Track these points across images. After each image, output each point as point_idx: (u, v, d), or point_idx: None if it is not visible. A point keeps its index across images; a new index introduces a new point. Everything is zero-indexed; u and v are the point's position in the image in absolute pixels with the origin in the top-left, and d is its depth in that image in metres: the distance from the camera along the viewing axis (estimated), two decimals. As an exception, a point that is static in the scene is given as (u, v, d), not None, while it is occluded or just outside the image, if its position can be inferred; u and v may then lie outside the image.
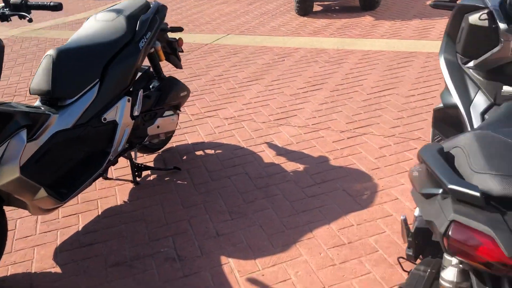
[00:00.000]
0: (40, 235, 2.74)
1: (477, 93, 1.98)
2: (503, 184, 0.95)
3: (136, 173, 3.14)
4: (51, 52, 2.50)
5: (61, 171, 2.52)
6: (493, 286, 1.00)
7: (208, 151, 3.50)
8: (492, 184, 0.96)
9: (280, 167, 3.23)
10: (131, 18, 2.86)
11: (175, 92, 3.16)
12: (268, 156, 3.38)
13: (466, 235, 0.95)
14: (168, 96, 3.11)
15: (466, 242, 0.95)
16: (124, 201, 3.00)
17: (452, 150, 1.14)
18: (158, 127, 3.10)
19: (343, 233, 2.56)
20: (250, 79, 4.86)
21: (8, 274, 2.45)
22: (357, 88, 4.41)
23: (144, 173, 3.28)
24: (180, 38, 3.31)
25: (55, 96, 2.49)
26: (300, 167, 3.21)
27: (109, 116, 2.70)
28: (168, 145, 3.59)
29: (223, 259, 2.46)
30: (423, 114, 3.78)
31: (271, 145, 3.52)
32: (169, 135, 3.32)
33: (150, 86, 3.17)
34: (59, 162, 2.51)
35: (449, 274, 1.16)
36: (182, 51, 3.39)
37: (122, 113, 2.76)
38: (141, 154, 3.48)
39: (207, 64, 5.38)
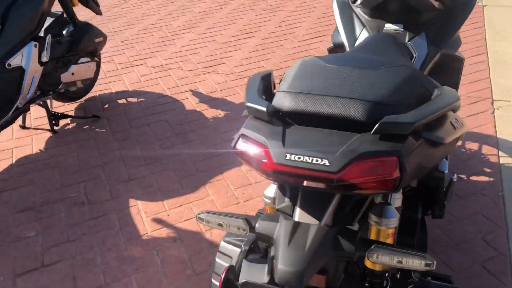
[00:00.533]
0: (-51, 184, 2.70)
1: (362, 31, 2.02)
2: (294, 100, 1.00)
3: (53, 122, 3.10)
4: None
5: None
6: (291, 196, 1.04)
7: (131, 100, 3.47)
8: (285, 100, 1.01)
9: (201, 114, 3.24)
10: None
11: (89, 38, 3.09)
12: (191, 103, 3.38)
13: (247, 146, 0.99)
14: (81, 42, 3.04)
15: (248, 152, 1.00)
16: (40, 150, 2.97)
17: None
18: (72, 74, 3.04)
19: (251, 174, 2.62)
20: (184, 27, 4.78)
21: None
22: (288, 36, 4.40)
23: (63, 122, 3.24)
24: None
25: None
26: (221, 113, 3.24)
27: (14, 62, 2.63)
28: (90, 94, 3.54)
29: (132, 201, 2.50)
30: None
31: (196, 93, 3.52)
32: (87, 83, 3.26)
33: (63, 32, 3.08)
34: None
35: (270, 190, 1.22)
36: (99, -4, 3.29)
37: (28, 59, 2.69)
38: (62, 103, 3.42)
39: (142, 13, 5.24)
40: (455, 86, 2.17)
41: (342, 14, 2.11)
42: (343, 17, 2.11)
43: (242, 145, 0.99)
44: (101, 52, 3.98)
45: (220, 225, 1.07)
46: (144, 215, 2.40)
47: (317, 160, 0.89)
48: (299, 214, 0.99)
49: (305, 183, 0.91)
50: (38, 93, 2.88)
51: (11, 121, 2.73)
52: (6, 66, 2.59)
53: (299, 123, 0.99)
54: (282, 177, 0.94)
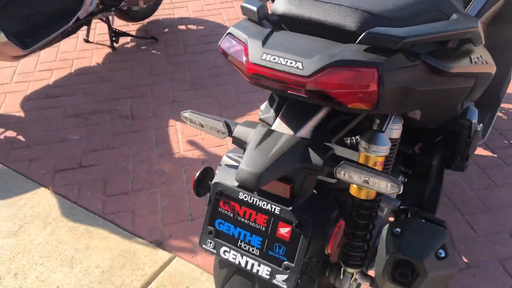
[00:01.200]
0: (14, 84, 2.91)
1: None
2: (289, 4, 0.95)
3: (114, 39, 3.21)
4: None
5: (29, 22, 2.61)
6: (276, 108, 1.02)
7: (191, 27, 3.50)
8: (281, 4, 0.96)
9: (255, 48, 3.21)
10: None
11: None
12: (248, 37, 3.36)
13: (230, 45, 0.97)
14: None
15: (229, 50, 0.97)
16: (98, 63, 3.10)
17: None
18: (135, -7, 3.10)
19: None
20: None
21: (-22, 113, 2.66)
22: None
23: (123, 40, 3.34)
24: None
25: None
26: (276, 50, 3.19)
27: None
28: (153, 17, 3.61)
29: (171, 122, 2.57)
30: None
31: (255, 27, 3.48)
32: (150, 3, 3.32)
33: None
34: (27, 12, 2.59)
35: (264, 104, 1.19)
36: None
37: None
38: (126, 23, 3.52)
39: None
40: None
41: None
42: None
43: (226, 44, 0.98)
44: None
45: (202, 125, 1.08)
46: (181, 135, 2.47)
47: (291, 63, 0.86)
48: (277, 124, 0.97)
49: (277, 86, 0.89)
50: (100, 7, 2.98)
51: (73, 31, 2.86)
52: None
53: (291, 29, 0.95)
54: (257, 78, 0.92)
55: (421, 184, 1.41)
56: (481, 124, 1.39)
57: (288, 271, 0.92)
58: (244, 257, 0.96)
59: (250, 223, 0.96)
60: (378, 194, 1.10)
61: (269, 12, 1.01)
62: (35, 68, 3.06)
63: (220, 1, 3.86)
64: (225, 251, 0.99)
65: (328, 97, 0.86)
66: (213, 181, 0.98)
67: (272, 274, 0.94)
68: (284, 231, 0.93)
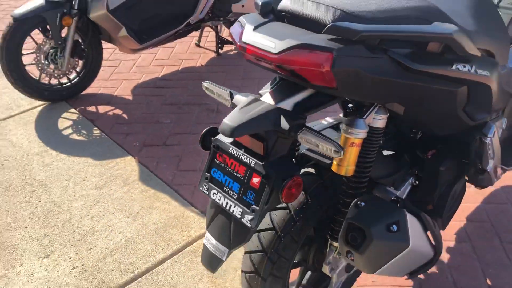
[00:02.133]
0: (131, 73, 3.45)
1: None
2: (285, 2, 1.15)
3: (219, 45, 3.62)
4: None
5: (147, 22, 3.11)
6: (271, 85, 1.23)
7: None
8: (281, 1, 1.16)
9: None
10: None
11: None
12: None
13: (234, 29, 1.19)
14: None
15: (233, 32, 1.18)
16: (202, 65, 3.54)
17: None
18: (242, 6, 3.48)
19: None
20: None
21: (99, 93, 3.21)
22: None
23: (228, 47, 3.75)
24: None
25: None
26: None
27: (195, -15, 3.17)
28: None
29: (249, 119, 2.87)
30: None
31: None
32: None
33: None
34: (147, 13, 3.09)
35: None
36: None
37: (207, -16, 3.20)
38: (234, 33, 3.93)
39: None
40: None
41: None
42: None
43: (232, 29, 1.21)
44: None
45: (213, 93, 1.34)
46: (253, 132, 2.75)
47: (267, 43, 1.07)
48: (265, 96, 1.17)
49: (255, 61, 1.11)
50: (210, 16, 3.41)
51: (183, 33, 3.32)
52: (189, -13, 3.15)
53: (289, 22, 1.16)
54: (244, 54, 1.15)
55: (430, 188, 1.51)
56: (490, 138, 1.45)
57: (254, 213, 1.13)
58: (226, 199, 1.19)
59: (234, 173, 1.18)
60: (358, 172, 1.26)
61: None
62: (151, 63, 3.58)
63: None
64: (214, 193, 1.22)
65: (295, 74, 1.07)
66: (214, 138, 1.23)
67: (242, 214, 1.15)
68: (255, 181, 1.14)
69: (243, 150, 1.18)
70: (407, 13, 1.12)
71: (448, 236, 1.99)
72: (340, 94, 1.11)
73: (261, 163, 1.13)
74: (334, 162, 1.22)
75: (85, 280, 1.89)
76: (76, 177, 2.43)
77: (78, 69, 3.06)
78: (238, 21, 1.21)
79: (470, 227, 2.04)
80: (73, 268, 1.94)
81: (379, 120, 1.23)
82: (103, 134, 2.77)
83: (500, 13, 1.89)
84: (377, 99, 1.16)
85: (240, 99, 1.24)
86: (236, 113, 1.11)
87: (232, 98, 1.27)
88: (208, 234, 1.26)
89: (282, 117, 1.10)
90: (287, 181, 1.09)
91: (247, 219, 1.15)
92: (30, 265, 1.96)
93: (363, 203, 1.22)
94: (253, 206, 1.14)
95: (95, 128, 2.83)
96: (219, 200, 1.21)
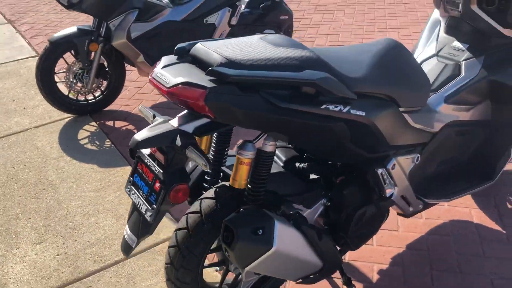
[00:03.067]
0: (151, 94, 3.85)
1: (431, 42, 2.19)
2: (193, 49, 1.43)
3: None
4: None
5: (164, 50, 3.51)
6: None
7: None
8: (192, 48, 1.45)
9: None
10: None
11: (275, 14, 3.80)
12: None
13: (153, 67, 1.49)
14: (267, 16, 3.77)
15: (152, 68, 1.48)
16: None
17: None
18: (255, 40, 3.82)
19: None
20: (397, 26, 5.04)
21: (119, 109, 3.64)
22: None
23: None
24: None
25: (173, -5, 3.45)
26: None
27: (210, 19, 3.55)
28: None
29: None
30: None
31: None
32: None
33: (260, 6, 3.87)
34: (164, 43, 3.50)
35: None
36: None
37: (221, 19, 3.58)
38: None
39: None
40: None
41: (429, 27, 2.28)
42: (428, 30, 2.28)
43: (154, 66, 1.51)
44: (293, 28, 4.51)
45: (143, 114, 1.65)
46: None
47: (165, 79, 1.36)
48: (173, 120, 1.46)
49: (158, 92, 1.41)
50: (225, 48, 3.77)
51: (198, 62, 3.70)
52: (204, 21, 3.54)
53: (196, 64, 1.44)
54: (152, 86, 1.45)
55: (337, 210, 1.74)
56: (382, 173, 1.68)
57: (153, 211, 1.43)
58: (139, 199, 1.50)
59: (146, 178, 1.49)
60: (253, 186, 1.52)
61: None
62: (171, 86, 3.98)
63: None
64: (132, 194, 1.53)
65: (184, 103, 1.35)
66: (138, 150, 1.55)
67: (146, 211, 1.45)
68: (157, 185, 1.44)
69: (156, 162, 1.49)
70: (286, 61, 1.39)
71: (383, 260, 2.17)
72: (223, 122, 1.40)
73: (162, 172, 1.43)
74: (231, 177, 1.50)
75: (64, 265, 2.24)
76: (80, 180, 2.83)
77: (102, 88, 3.51)
78: (159, 60, 1.53)
79: (407, 254, 2.20)
80: (57, 255, 2.31)
81: (268, 145, 1.50)
82: (113, 145, 3.17)
83: (437, 61, 2.10)
84: (258, 128, 1.43)
85: (157, 120, 1.55)
86: (145, 131, 1.42)
87: (154, 118, 1.59)
88: (127, 227, 1.57)
89: (178, 136, 1.39)
90: (173, 186, 1.39)
91: (148, 215, 1.45)
92: (25, 249, 2.35)
93: (242, 210, 1.49)
94: (153, 205, 1.44)
95: (107, 140, 3.24)
96: (135, 199, 1.52)
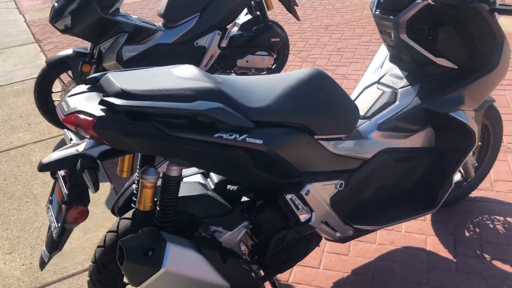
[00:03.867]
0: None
1: (377, 70, 2.21)
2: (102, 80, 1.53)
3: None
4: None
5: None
6: None
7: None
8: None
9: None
10: None
11: (266, 36, 3.88)
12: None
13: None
14: (258, 38, 3.86)
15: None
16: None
17: None
18: (247, 61, 3.91)
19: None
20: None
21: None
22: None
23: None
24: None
25: (166, 19, 3.61)
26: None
27: (200, 42, 3.68)
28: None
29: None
30: None
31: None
32: (263, 72, 4.08)
33: (253, 29, 3.97)
34: (156, 64, 3.65)
35: None
36: (297, 5, 4.02)
37: (211, 42, 3.70)
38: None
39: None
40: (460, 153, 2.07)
41: (378, 55, 2.31)
42: (377, 56, 2.31)
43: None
44: (289, 49, 4.54)
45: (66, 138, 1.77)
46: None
47: (65, 107, 1.45)
48: (82, 144, 1.57)
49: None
50: (218, 68, 3.88)
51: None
52: (194, 44, 3.67)
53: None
54: None
55: (256, 232, 1.79)
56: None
57: (57, 228, 1.54)
58: (51, 217, 1.61)
59: (57, 197, 1.60)
60: (162, 209, 1.60)
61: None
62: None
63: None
64: (48, 212, 1.65)
65: (83, 132, 1.45)
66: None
67: (54, 229, 1.56)
68: (63, 205, 1.55)
69: (66, 183, 1.60)
70: (182, 92, 1.47)
71: (325, 284, 2.18)
72: (118, 148, 1.49)
73: (66, 193, 1.54)
74: (137, 200, 1.59)
75: (26, 275, 2.39)
76: (61, 195, 3.00)
77: (97, 107, 3.70)
78: (72, 88, 1.65)
79: (351, 279, 2.20)
80: (23, 265, 2.46)
81: (172, 170, 1.58)
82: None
83: (377, 88, 2.12)
84: (155, 154, 1.51)
85: (71, 143, 1.66)
86: (52, 154, 1.53)
87: (70, 141, 1.70)
88: (45, 243, 1.69)
89: (80, 160, 1.50)
90: (71, 207, 1.49)
91: (54, 232, 1.56)
92: (-4, 258, 2.52)
93: (140, 231, 1.56)
94: (59, 223, 1.55)
95: (95, 156, 3.40)
96: (50, 217, 1.64)
